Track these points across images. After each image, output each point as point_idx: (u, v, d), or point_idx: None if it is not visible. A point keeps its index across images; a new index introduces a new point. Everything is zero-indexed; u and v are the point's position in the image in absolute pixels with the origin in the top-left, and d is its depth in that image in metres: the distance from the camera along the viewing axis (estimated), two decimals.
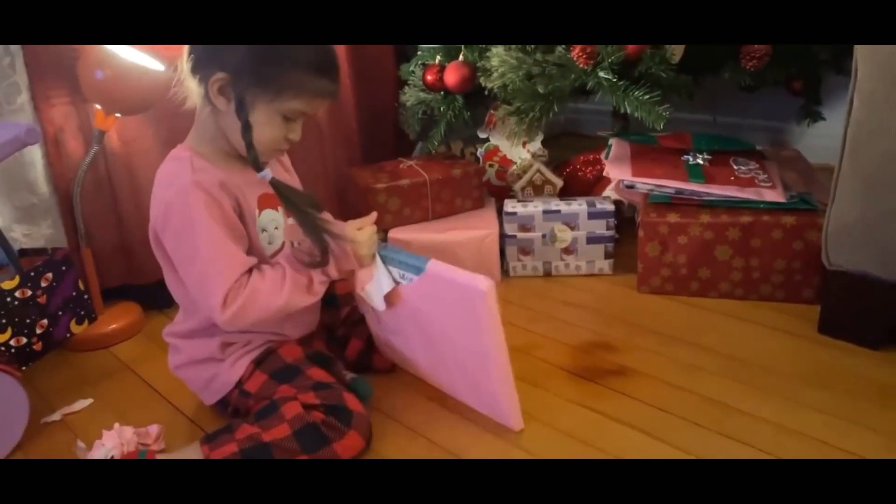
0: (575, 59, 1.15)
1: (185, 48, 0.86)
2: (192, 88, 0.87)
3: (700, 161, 1.28)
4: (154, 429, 0.92)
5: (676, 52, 1.15)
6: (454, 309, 0.88)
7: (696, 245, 1.20)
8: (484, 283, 0.83)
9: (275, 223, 0.95)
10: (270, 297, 0.86)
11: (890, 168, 0.91)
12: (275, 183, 0.88)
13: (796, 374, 1.00)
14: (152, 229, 0.90)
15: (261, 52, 0.83)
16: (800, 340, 1.08)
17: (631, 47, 1.14)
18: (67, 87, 1.14)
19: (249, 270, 0.87)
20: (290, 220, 0.96)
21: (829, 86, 1.39)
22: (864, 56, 0.91)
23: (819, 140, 1.61)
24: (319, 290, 0.91)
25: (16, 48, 1.08)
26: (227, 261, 0.86)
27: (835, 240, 1.01)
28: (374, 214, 1.00)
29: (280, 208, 0.94)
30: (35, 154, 1.14)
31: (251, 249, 0.91)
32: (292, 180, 1.02)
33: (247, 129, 0.85)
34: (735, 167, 1.26)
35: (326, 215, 0.97)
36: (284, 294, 0.87)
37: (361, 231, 0.95)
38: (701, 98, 1.58)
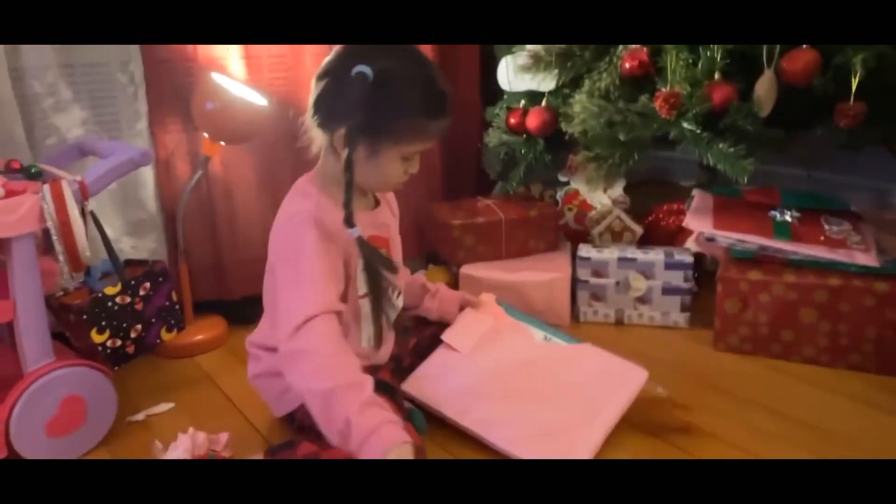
0: (658, 108, 1.14)
1: (310, 104, 0.93)
2: (318, 136, 0.94)
3: (788, 218, 1.23)
4: (224, 436, 0.98)
5: (764, 105, 1.12)
6: (602, 376, 1.01)
7: (778, 305, 1.15)
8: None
9: None
10: (321, 371, 0.84)
11: None
12: (361, 241, 0.90)
13: (881, 453, 0.93)
14: (271, 249, 0.96)
15: (380, 108, 0.87)
16: (890, 417, 1.01)
17: (717, 99, 1.13)
18: (181, 116, 1.26)
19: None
20: None
21: None
22: None
23: None
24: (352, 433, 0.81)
25: (140, 79, 1.21)
26: (318, 293, 0.88)
27: None
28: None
29: (384, 249, 1.00)
30: (147, 174, 1.25)
31: (349, 284, 0.95)
32: (395, 223, 1.08)
33: (349, 186, 0.88)
34: (826, 226, 1.21)
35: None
36: (329, 383, 0.83)
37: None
38: (797, 153, 1.52)
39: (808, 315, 1.13)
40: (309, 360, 0.85)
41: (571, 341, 1.10)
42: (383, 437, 0.80)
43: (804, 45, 1.11)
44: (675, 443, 0.97)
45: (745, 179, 1.10)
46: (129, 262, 1.14)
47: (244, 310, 1.32)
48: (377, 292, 0.92)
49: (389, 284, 0.94)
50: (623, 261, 1.31)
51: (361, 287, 0.94)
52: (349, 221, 0.88)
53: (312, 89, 0.92)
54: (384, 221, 1.04)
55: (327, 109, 0.91)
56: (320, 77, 0.92)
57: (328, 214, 0.91)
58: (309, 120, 0.94)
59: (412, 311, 1.17)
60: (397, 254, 1.07)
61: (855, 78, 1.09)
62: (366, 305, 0.95)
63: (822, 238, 1.17)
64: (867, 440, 0.96)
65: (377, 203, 1.04)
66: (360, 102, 0.86)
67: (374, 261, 0.91)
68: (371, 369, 1.02)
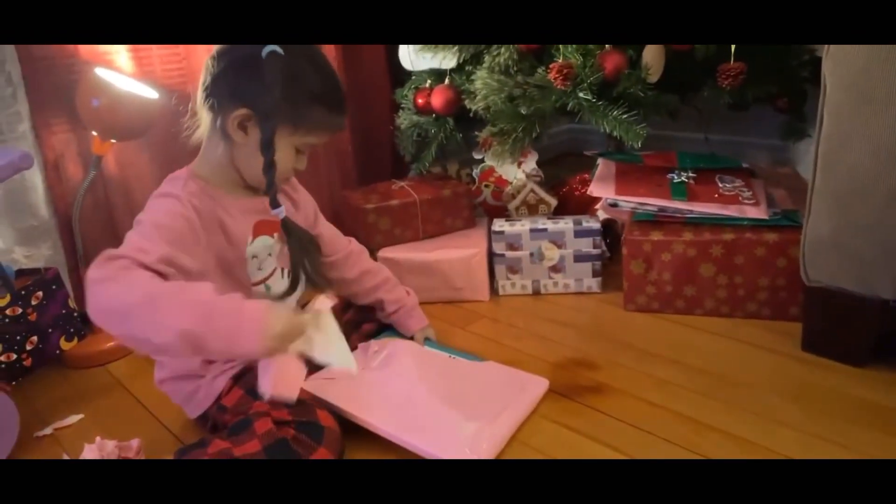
0: (553, 80, 1.17)
1: (200, 81, 0.90)
2: (203, 118, 0.92)
3: (684, 179, 1.28)
4: (135, 443, 0.95)
5: (653, 71, 1.16)
6: (505, 384, 1.01)
7: (679, 262, 1.20)
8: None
9: (268, 250, 0.98)
10: (132, 286, 0.72)
11: (858, 182, 0.90)
12: (286, 221, 0.92)
13: (775, 391, 0.99)
14: None
15: (289, 92, 0.85)
16: (782, 358, 1.07)
17: (609, 68, 1.16)
18: (67, 115, 1.20)
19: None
20: (285, 248, 0.99)
21: (815, 103, 1.38)
22: (831, 70, 0.91)
23: None
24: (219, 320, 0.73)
25: (18, 79, 1.15)
26: (147, 241, 0.78)
27: (811, 255, 1.00)
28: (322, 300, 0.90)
29: (276, 235, 0.98)
30: (36, 178, 1.19)
31: (231, 272, 0.94)
32: (296, 208, 1.06)
33: (270, 166, 0.87)
34: (720, 185, 1.26)
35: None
36: (145, 291, 0.72)
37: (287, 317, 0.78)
38: (694, 117, 1.58)
39: (707, 270, 1.18)
40: (119, 280, 0.72)
41: (477, 360, 1.07)
42: (252, 313, 0.74)
43: None
44: (586, 401, 1.00)
45: (640, 144, 1.14)
46: (21, 272, 1.09)
47: None
48: (299, 256, 0.94)
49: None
50: (535, 232, 1.33)
51: (255, 274, 0.93)
52: (273, 202, 0.88)
53: (206, 69, 0.89)
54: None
55: (228, 88, 0.88)
56: (220, 57, 0.88)
57: (193, 197, 0.89)
58: (199, 101, 0.91)
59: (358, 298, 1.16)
60: None
61: None
62: (260, 291, 0.94)
63: (716, 196, 1.23)
64: (760, 380, 1.02)
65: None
66: (271, 81, 0.84)
67: (299, 235, 0.93)
68: None
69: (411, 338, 1.14)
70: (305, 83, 0.88)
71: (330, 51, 1.51)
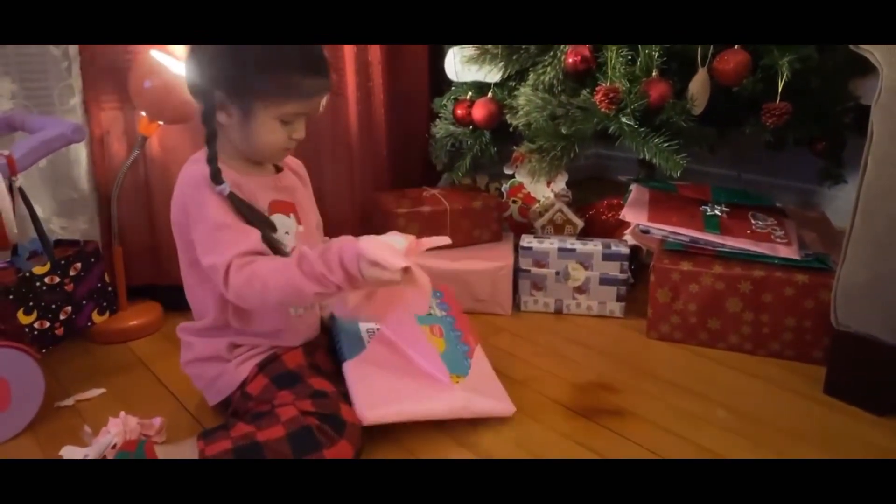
0: (598, 102, 1.18)
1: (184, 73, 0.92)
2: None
3: (717, 212, 1.28)
4: (157, 421, 0.96)
5: (697, 103, 1.17)
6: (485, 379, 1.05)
7: (707, 295, 1.20)
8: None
9: (285, 228, 0.98)
10: (275, 274, 0.87)
11: None
12: (232, 197, 0.90)
13: (794, 432, 0.99)
14: (174, 226, 0.95)
15: (248, 63, 0.87)
16: (803, 400, 1.07)
17: (654, 95, 1.17)
18: (117, 93, 1.23)
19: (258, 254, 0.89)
20: (301, 227, 1.00)
21: (854, 149, 1.39)
22: (880, 119, 0.92)
23: (847, 203, 1.60)
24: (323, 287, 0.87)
25: (74, 53, 1.17)
26: (237, 234, 0.89)
27: (843, 299, 1.00)
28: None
29: (292, 214, 0.99)
30: (81, 153, 1.21)
31: None
32: (306, 192, 1.07)
33: (212, 138, 0.90)
34: (752, 221, 1.27)
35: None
36: (290, 274, 0.86)
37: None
38: (728, 154, 1.59)
39: (734, 305, 1.19)
40: (255, 281, 0.86)
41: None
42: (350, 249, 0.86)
43: (736, 47, 1.17)
44: (606, 424, 1.00)
45: (678, 173, 1.15)
46: (59, 243, 1.11)
47: (180, 295, 1.28)
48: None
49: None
50: (563, 251, 1.34)
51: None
52: (215, 178, 0.88)
53: (187, 66, 0.92)
54: (288, 186, 1.02)
55: (208, 77, 0.90)
56: (196, 50, 0.91)
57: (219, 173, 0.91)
58: (188, 94, 0.94)
59: None
60: (307, 220, 1.04)
61: (781, 79, 1.15)
62: None
63: (748, 232, 1.23)
64: (779, 419, 1.02)
65: (279, 169, 1.03)
66: (224, 60, 0.87)
67: (249, 216, 0.91)
68: (308, 348, 1.03)
69: None
70: (266, 51, 0.87)
71: (375, 55, 1.53)
